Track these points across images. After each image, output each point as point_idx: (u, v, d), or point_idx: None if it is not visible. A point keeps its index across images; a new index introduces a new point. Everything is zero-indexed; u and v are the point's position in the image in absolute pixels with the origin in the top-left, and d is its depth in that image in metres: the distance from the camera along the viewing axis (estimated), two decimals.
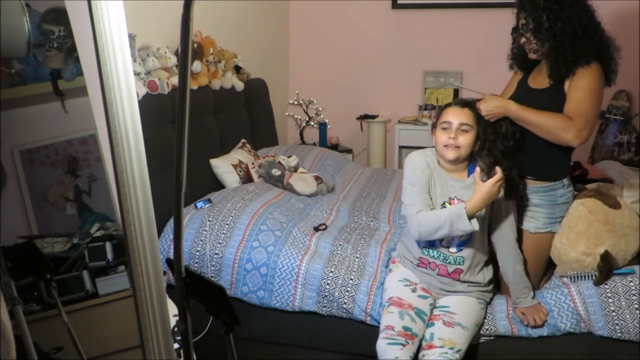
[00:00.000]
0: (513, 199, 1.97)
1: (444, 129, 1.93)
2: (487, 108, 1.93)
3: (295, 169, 3.03)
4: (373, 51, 4.42)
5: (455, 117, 1.92)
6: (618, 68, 2.00)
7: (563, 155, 2.03)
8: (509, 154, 1.95)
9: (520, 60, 2.13)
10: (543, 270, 2.14)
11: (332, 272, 2.16)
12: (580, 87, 1.92)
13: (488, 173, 1.93)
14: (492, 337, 2.04)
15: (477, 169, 1.87)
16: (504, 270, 2.02)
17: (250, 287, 2.22)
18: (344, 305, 2.13)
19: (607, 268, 1.93)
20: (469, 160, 1.98)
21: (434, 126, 1.99)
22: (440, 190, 1.96)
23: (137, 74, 2.41)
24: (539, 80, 2.05)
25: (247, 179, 2.85)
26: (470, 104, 1.95)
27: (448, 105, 1.99)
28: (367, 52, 4.43)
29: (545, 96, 2.00)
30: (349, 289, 2.13)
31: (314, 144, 4.24)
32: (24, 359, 1.29)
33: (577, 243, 1.96)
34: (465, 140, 1.90)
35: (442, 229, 1.84)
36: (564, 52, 1.92)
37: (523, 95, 2.08)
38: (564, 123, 1.90)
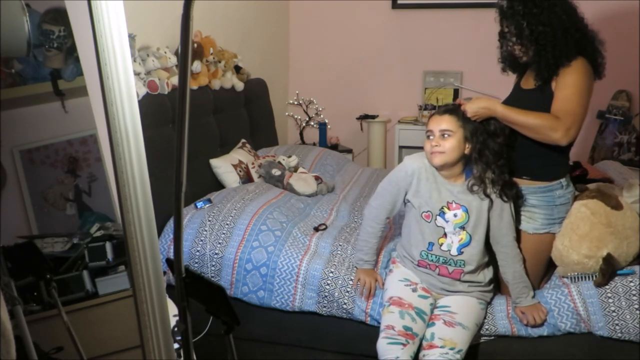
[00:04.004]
0: (509, 200, 1.96)
1: (428, 137, 1.96)
2: (473, 109, 1.92)
3: (295, 169, 3.03)
4: (373, 51, 4.41)
5: (436, 124, 1.94)
6: (605, 61, 2.00)
7: (559, 155, 2.02)
8: (501, 155, 1.94)
9: (511, 64, 2.14)
10: (543, 270, 2.13)
11: (332, 272, 2.16)
12: (567, 85, 1.92)
13: (481, 178, 1.93)
14: (492, 337, 2.04)
15: None
16: (503, 270, 2.02)
17: (250, 287, 2.22)
18: (344, 306, 2.13)
19: (609, 271, 1.93)
20: (465, 165, 1.98)
21: None
22: (438, 196, 1.96)
23: (137, 74, 2.41)
24: (529, 81, 2.06)
25: (247, 179, 2.85)
26: (452, 110, 1.95)
27: (432, 114, 2.01)
28: (367, 52, 4.42)
29: (533, 96, 2.00)
30: (348, 289, 2.13)
31: (314, 144, 4.23)
32: (24, 359, 1.29)
33: (579, 245, 1.95)
34: (448, 144, 1.90)
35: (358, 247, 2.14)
36: (546, 54, 1.92)
37: (514, 96, 2.10)
38: (551, 122, 1.89)
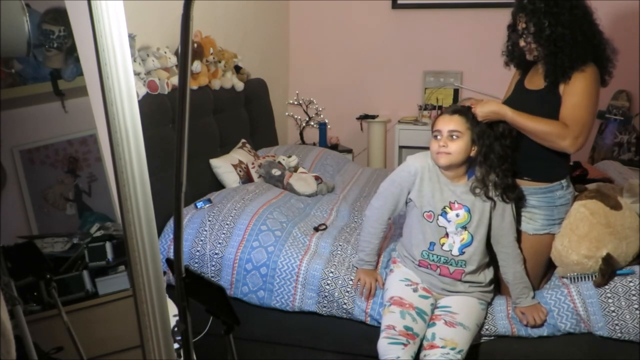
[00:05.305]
0: (510, 201, 1.96)
1: (435, 137, 1.94)
2: (484, 112, 1.91)
3: (295, 169, 3.03)
4: (373, 51, 4.41)
5: (444, 125, 1.92)
6: (614, 70, 1.99)
7: (561, 156, 2.01)
8: (506, 159, 1.93)
9: (517, 59, 2.12)
10: (543, 271, 2.13)
11: (332, 272, 2.16)
12: (576, 91, 1.91)
13: (483, 181, 1.93)
14: (492, 337, 2.04)
15: None
16: (503, 271, 2.02)
17: (250, 287, 2.22)
18: (344, 306, 2.13)
19: (609, 271, 1.93)
20: (469, 166, 1.98)
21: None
22: (440, 196, 1.96)
23: (137, 74, 2.41)
24: (535, 81, 2.04)
25: (247, 179, 2.85)
26: (461, 111, 1.94)
27: (440, 114, 2.00)
28: (367, 52, 4.42)
29: (540, 98, 1.99)
30: (348, 289, 2.13)
31: (314, 144, 4.23)
32: (24, 359, 1.29)
33: (579, 246, 1.95)
34: (456, 146, 1.90)
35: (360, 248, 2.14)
36: (562, 57, 1.90)
37: (519, 96, 2.07)
38: (560, 130, 1.89)
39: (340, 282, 2.14)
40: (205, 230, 2.29)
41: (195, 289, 1.20)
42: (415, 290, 2.00)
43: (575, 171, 2.66)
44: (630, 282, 1.94)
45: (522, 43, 2.00)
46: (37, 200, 1.47)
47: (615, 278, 1.96)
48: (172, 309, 1.42)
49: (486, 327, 2.02)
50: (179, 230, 1.19)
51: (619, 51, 1.99)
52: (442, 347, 1.83)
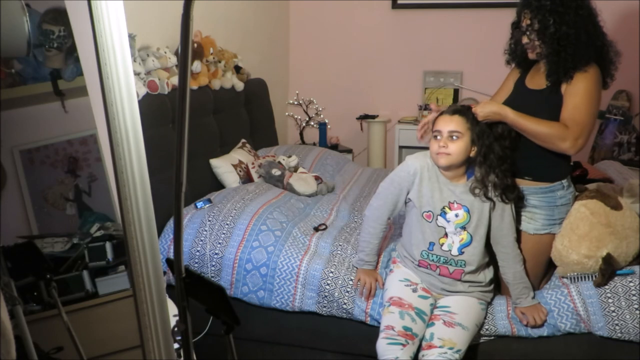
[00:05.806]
0: (509, 202, 1.96)
1: (435, 137, 1.94)
2: (484, 113, 1.91)
3: (295, 169, 3.03)
4: (373, 51, 4.42)
5: (444, 125, 1.92)
6: (616, 72, 1.99)
7: (561, 156, 2.01)
8: (505, 160, 1.94)
9: (519, 57, 2.12)
10: (543, 271, 2.13)
11: (332, 272, 2.17)
12: (578, 92, 1.91)
13: (483, 182, 1.93)
14: (492, 337, 2.04)
15: None
16: (503, 271, 2.02)
17: (250, 287, 2.22)
18: (344, 306, 2.13)
19: (609, 270, 1.93)
20: (468, 166, 1.97)
21: None
22: (439, 196, 1.96)
23: (137, 74, 2.41)
24: (536, 80, 2.04)
25: (247, 179, 2.86)
26: (461, 111, 1.93)
27: (440, 114, 1.99)
28: (367, 52, 4.43)
29: (542, 98, 1.99)
30: (348, 289, 2.13)
31: (314, 144, 4.23)
32: (24, 359, 1.29)
33: (579, 245, 1.95)
34: (456, 147, 1.89)
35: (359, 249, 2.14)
36: (566, 56, 1.90)
37: (520, 95, 2.07)
38: (560, 132, 1.89)
39: (340, 282, 2.15)
40: (205, 230, 2.29)
41: (195, 289, 1.20)
42: (414, 291, 2.00)
43: (575, 171, 2.66)
44: (630, 282, 1.94)
45: (525, 40, 2.00)
46: (37, 200, 1.47)
47: (615, 278, 1.96)
48: (172, 309, 1.42)
49: (486, 327, 2.02)
50: (179, 230, 1.19)
51: (621, 52, 1.99)
52: (440, 347, 1.83)
